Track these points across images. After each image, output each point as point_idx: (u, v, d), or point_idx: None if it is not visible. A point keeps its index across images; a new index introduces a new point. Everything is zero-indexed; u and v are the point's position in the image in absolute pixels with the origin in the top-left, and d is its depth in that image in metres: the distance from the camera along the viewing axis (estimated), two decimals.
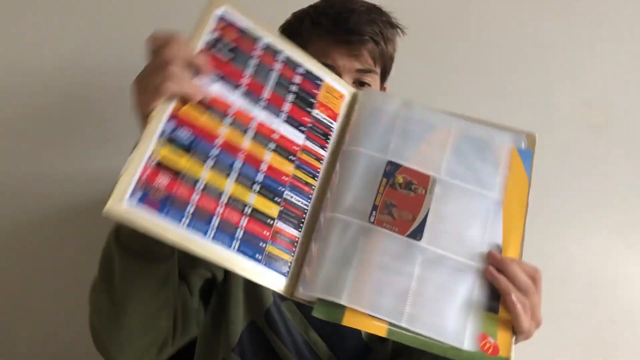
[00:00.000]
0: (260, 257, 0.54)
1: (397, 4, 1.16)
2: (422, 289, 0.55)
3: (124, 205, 0.47)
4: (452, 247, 0.58)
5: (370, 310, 0.54)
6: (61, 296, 1.18)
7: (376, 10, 0.79)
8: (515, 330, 0.57)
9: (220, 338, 0.77)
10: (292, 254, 0.57)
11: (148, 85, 0.52)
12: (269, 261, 0.55)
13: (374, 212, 0.58)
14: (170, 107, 0.52)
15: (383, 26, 0.77)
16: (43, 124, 1.12)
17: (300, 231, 0.59)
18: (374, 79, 0.78)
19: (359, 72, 0.76)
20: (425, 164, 0.62)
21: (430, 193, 0.60)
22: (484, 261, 0.59)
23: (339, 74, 0.72)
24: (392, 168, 0.61)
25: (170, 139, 0.52)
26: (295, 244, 0.58)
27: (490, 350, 0.54)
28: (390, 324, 0.53)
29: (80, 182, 1.14)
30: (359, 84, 0.77)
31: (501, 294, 0.57)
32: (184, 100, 0.54)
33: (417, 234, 0.58)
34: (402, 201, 0.59)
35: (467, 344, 0.54)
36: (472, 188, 0.62)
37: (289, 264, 0.56)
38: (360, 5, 0.77)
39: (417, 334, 0.53)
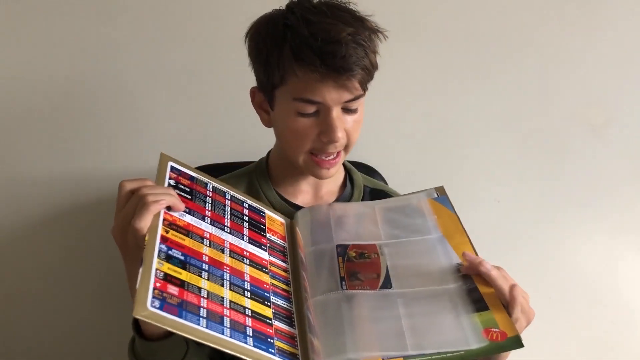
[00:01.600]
0: (273, 351, 0.60)
1: (398, 3, 1.16)
2: (413, 322, 0.62)
3: (149, 308, 0.53)
4: (421, 283, 0.67)
5: (381, 353, 0.59)
6: (61, 296, 1.18)
7: (360, 27, 0.70)
8: (511, 312, 0.64)
9: None
10: (296, 347, 0.64)
11: (135, 210, 0.60)
12: (282, 355, 0.61)
13: (343, 282, 0.67)
14: (159, 232, 0.61)
15: (368, 45, 0.70)
16: (43, 124, 1.12)
17: (294, 328, 0.66)
18: (360, 102, 0.74)
19: (348, 101, 0.72)
20: (367, 238, 0.74)
21: (382, 255, 0.71)
22: (454, 280, 0.67)
23: (329, 107, 0.71)
24: (342, 248, 0.72)
25: (167, 257, 0.59)
26: (295, 339, 0.65)
27: (499, 337, 0.60)
28: (404, 357, 0.59)
29: (80, 182, 1.14)
30: (346, 110, 0.73)
31: (492, 282, 0.66)
32: (169, 220, 0.63)
33: (387, 285, 0.67)
34: (362, 268, 0.69)
35: (475, 342, 0.60)
36: (414, 238, 0.74)
37: (297, 356, 0.63)
38: (345, 30, 0.67)
39: (430, 355, 0.58)
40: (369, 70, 0.71)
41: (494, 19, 1.17)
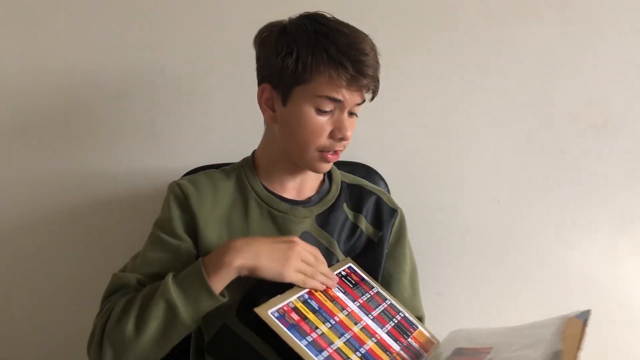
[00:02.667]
0: None
1: (397, 3, 1.16)
2: None
3: (269, 314, 0.69)
4: None
5: None
6: (61, 295, 1.18)
7: (373, 44, 0.82)
8: None
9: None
10: None
11: (299, 270, 0.76)
12: None
13: None
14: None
15: (378, 59, 0.82)
16: (43, 124, 1.12)
17: None
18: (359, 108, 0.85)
19: (356, 105, 0.82)
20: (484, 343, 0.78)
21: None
22: None
23: (344, 107, 0.80)
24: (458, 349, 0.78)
25: (304, 302, 0.75)
26: None
27: None
28: None
29: (81, 182, 1.14)
30: (350, 114, 0.83)
31: None
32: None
33: None
34: None
35: None
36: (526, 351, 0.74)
37: None
38: (368, 44, 0.80)
39: None
40: (378, 81, 0.83)
41: (493, 19, 1.17)
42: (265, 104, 0.84)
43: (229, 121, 1.16)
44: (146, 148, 1.14)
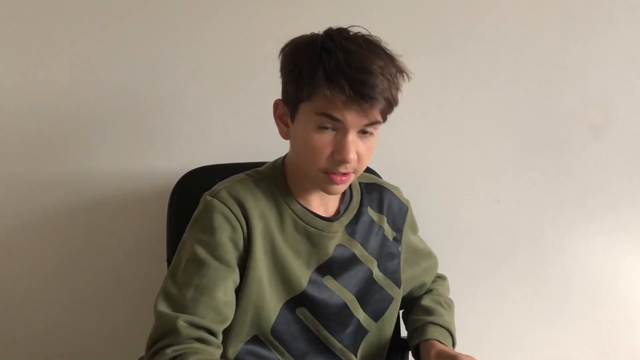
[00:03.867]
0: None
1: (398, 4, 1.16)
2: None
3: None
4: None
5: None
6: (61, 295, 1.18)
7: (390, 64, 0.77)
8: None
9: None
10: None
11: None
12: None
13: None
14: None
15: (394, 81, 0.76)
16: (43, 125, 1.12)
17: None
18: (377, 129, 0.80)
19: (365, 125, 0.77)
20: None
21: None
22: None
23: (347, 128, 0.75)
24: None
25: None
26: None
27: None
28: None
29: (81, 182, 1.14)
30: (362, 133, 0.78)
31: None
32: None
33: None
34: None
35: None
36: None
37: None
38: (377, 63, 0.74)
39: None
40: (390, 103, 0.77)
41: (494, 19, 1.17)
42: (279, 119, 0.83)
43: (229, 121, 1.15)
44: (146, 148, 1.14)
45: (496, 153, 1.22)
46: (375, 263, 0.89)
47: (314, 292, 0.83)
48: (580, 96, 1.20)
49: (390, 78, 0.75)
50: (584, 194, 1.23)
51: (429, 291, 1.01)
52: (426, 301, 0.97)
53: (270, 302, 0.80)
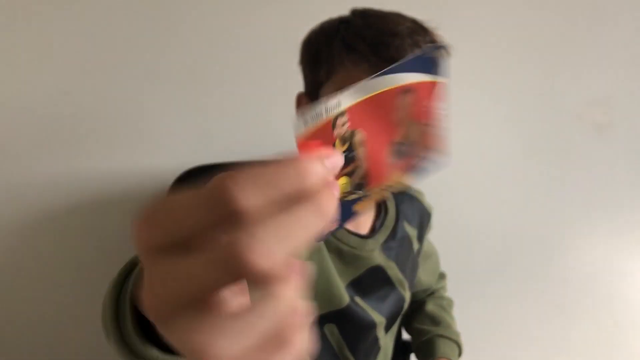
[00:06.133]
0: None
1: (398, 4, 1.15)
2: None
3: None
4: None
5: None
6: (61, 295, 1.18)
7: (420, 30, 0.67)
8: None
9: None
10: None
11: None
12: None
13: None
14: None
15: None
16: (43, 124, 1.12)
17: None
18: None
19: None
20: None
21: None
22: None
23: None
24: None
25: None
26: None
27: None
28: None
29: (81, 182, 1.14)
30: None
31: None
32: None
33: None
34: None
35: None
36: None
37: None
38: (403, 25, 0.64)
39: None
40: None
41: (494, 19, 1.17)
42: None
43: (229, 121, 1.15)
44: (145, 148, 1.14)
45: (498, 153, 1.21)
46: (407, 285, 0.83)
47: (354, 308, 0.76)
48: (584, 95, 1.20)
49: (420, 41, 0.65)
50: (588, 193, 1.22)
51: (431, 293, 0.99)
52: (430, 307, 0.95)
53: None
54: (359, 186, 0.35)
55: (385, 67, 0.59)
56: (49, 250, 1.16)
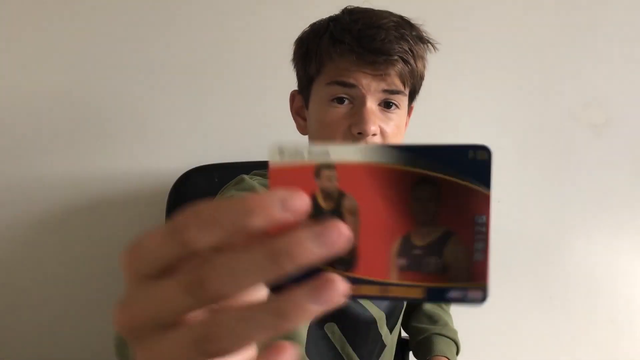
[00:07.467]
0: None
1: (398, 4, 1.16)
2: None
3: None
4: None
5: None
6: (61, 295, 1.18)
7: (406, 24, 0.69)
8: None
9: None
10: None
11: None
12: None
13: None
14: None
15: (413, 43, 0.69)
16: (43, 124, 1.11)
17: None
18: (401, 100, 0.71)
19: (385, 92, 0.68)
20: None
21: None
22: None
23: (363, 95, 0.66)
24: None
25: None
26: None
27: None
28: None
29: (79, 183, 1.14)
30: (385, 104, 0.69)
31: None
32: None
33: None
34: None
35: None
36: None
37: None
38: (388, 20, 0.67)
39: None
40: (411, 67, 0.68)
41: (493, 19, 1.17)
42: (296, 113, 0.78)
43: (229, 121, 1.15)
44: (145, 148, 1.14)
45: (496, 153, 1.20)
46: None
47: (352, 305, 0.75)
48: (581, 95, 1.20)
49: (408, 38, 0.67)
50: (585, 193, 1.23)
51: None
52: (428, 305, 0.95)
53: None
54: (343, 262, 0.29)
55: (372, 59, 0.62)
56: (49, 250, 1.16)
